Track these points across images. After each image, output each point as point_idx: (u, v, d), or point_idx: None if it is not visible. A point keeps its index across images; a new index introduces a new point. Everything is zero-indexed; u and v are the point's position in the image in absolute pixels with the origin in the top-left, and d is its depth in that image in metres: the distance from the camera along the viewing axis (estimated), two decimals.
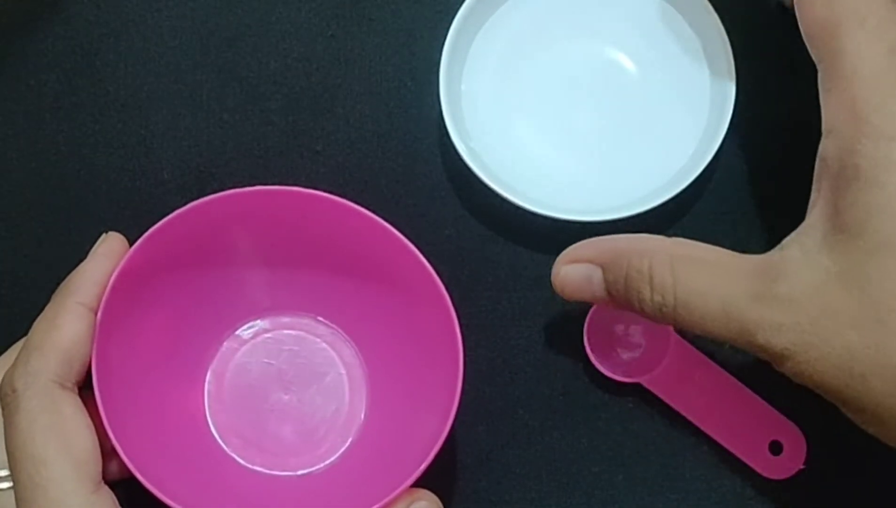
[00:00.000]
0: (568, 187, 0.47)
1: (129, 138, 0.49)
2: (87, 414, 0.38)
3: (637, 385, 0.46)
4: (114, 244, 0.41)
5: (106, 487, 0.38)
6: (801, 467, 0.45)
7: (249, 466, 0.44)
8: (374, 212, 0.42)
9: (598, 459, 0.47)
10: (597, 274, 0.40)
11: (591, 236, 0.42)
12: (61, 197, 0.49)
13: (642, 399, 0.46)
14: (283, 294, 0.46)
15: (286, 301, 0.46)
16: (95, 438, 0.38)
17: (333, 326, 0.46)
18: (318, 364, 0.46)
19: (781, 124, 0.48)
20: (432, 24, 0.49)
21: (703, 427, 0.46)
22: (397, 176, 0.49)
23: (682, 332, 0.45)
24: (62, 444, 0.37)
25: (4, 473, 0.40)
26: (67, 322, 0.39)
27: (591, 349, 0.46)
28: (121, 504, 0.38)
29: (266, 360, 0.46)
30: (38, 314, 0.40)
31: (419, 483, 0.39)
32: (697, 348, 0.46)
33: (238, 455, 0.45)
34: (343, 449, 0.45)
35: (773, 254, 0.38)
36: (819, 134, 0.38)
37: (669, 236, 0.40)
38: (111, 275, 0.40)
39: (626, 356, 0.46)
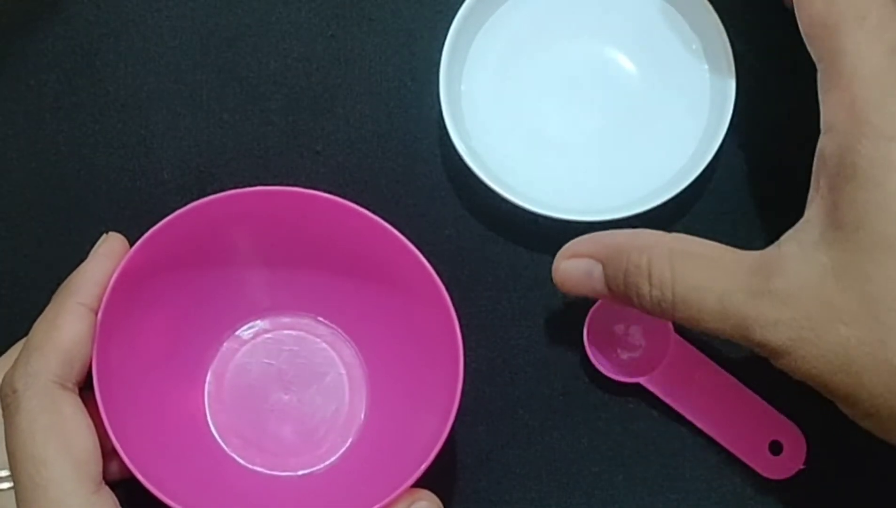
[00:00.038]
0: (568, 187, 0.47)
1: (129, 138, 0.49)
2: (87, 414, 0.38)
3: (637, 385, 0.46)
4: (114, 245, 0.41)
5: (106, 487, 0.38)
6: (801, 467, 0.45)
7: (249, 466, 0.44)
8: (374, 212, 0.42)
9: (598, 459, 0.47)
10: (597, 269, 0.41)
11: None
12: (61, 197, 0.49)
13: (642, 399, 0.47)
14: (283, 294, 0.46)
15: (286, 301, 0.46)
16: (96, 438, 0.38)
17: (333, 326, 0.46)
18: (318, 364, 0.46)
19: (781, 124, 0.48)
20: (432, 24, 0.49)
21: (703, 427, 0.46)
22: (397, 176, 0.49)
23: (682, 332, 0.45)
24: (62, 444, 0.37)
25: (4, 473, 0.40)
26: (68, 323, 0.39)
27: (591, 350, 0.46)
28: (121, 504, 0.38)
29: (266, 360, 0.46)
30: (38, 314, 0.40)
31: (419, 483, 0.39)
32: (697, 348, 0.46)
33: (238, 455, 0.45)
34: (343, 449, 0.45)
35: (771, 250, 0.38)
36: (819, 134, 0.38)
37: None
38: (111, 275, 0.40)
39: (626, 356, 0.46)
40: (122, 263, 0.40)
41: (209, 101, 0.49)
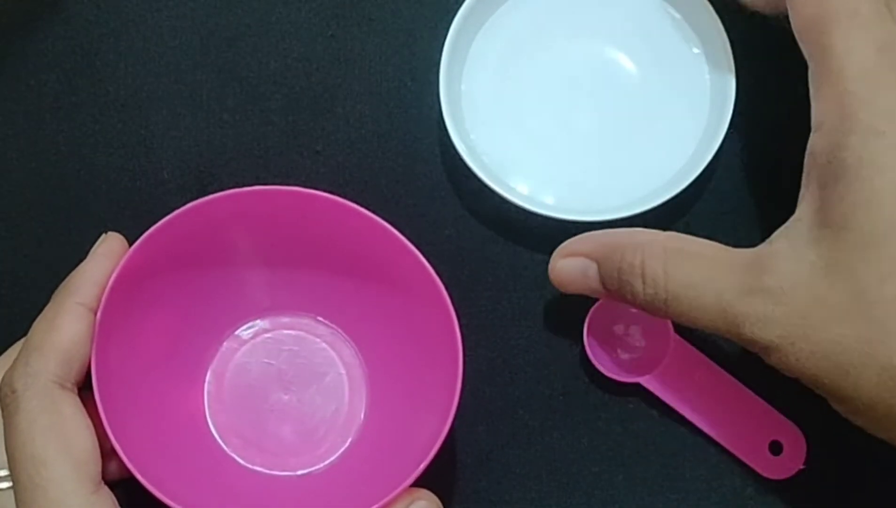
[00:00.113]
0: (568, 187, 0.47)
1: (129, 138, 0.49)
2: (86, 414, 0.38)
3: (637, 385, 0.46)
4: (113, 244, 0.41)
5: (106, 487, 0.38)
6: (801, 467, 0.45)
7: (249, 466, 0.44)
8: (374, 212, 0.42)
9: (598, 459, 0.47)
10: (592, 268, 0.41)
11: None
12: (61, 197, 0.49)
13: (642, 399, 0.46)
14: (283, 294, 0.46)
15: (286, 301, 0.46)
16: (95, 438, 0.38)
17: (333, 326, 0.46)
18: (317, 364, 0.46)
19: (781, 124, 0.48)
20: (432, 24, 0.49)
21: (703, 427, 0.46)
22: (397, 176, 0.49)
23: (682, 332, 0.45)
24: (62, 444, 0.37)
25: (4, 473, 0.40)
26: (67, 323, 0.39)
27: (591, 350, 0.46)
28: (121, 504, 0.38)
29: (266, 360, 0.46)
30: (38, 314, 0.40)
31: (419, 483, 0.39)
32: (697, 348, 0.46)
33: (238, 455, 0.45)
34: (343, 449, 0.45)
35: (763, 248, 0.38)
36: None
37: None
38: (111, 275, 0.40)
39: (626, 356, 0.46)
40: (122, 262, 0.40)
41: (209, 101, 0.49)
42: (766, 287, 0.36)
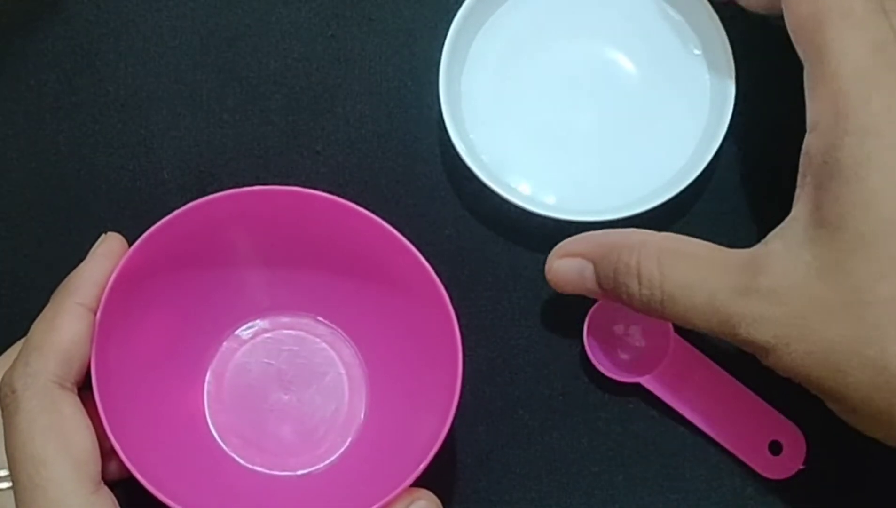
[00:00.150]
0: (568, 187, 0.47)
1: (129, 138, 0.49)
2: (86, 414, 0.38)
3: (637, 385, 0.46)
4: (113, 245, 0.41)
5: (105, 487, 0.38)
6: (801, 467, 0.45)
7: (249, 466, 0.44)
8: (374, 212, 0.42)
9: (598, 459, 0.47)
10: (588, 268, 0.41)
11: None
12: (61, 197, 0.49)
13: (642, 399, 0.46)
14: (283, 294, 0.46)
15: (286, 301, 0.46)
16: (95, 438, 0.38)
17: (333, 326, 0.46)
18: (317, 364, 0.46)
19: (781, 124, 0.48)
20: (432, 24, 0.49)
21: (703, 427, 0.46)
22: (397, 176, 0.49)
23: (682, 332, 0.45)
24: (62, 444, 0.37)
25: (4, 473, 0.40)
26: (67, 323, 0.39)
27: (591, 350, 0.46)
28: (121, 504, 0.38)
29: (266, 360, 0.46)
30: (38, 314, 0.40)
31: (419, 483, 0.39)
32: (697, 348, 0.46)
33: (238, 455, 0.45)
34: (343, 449, 0.45)
35: (758, 248, 0.38)
36: None
37: None
38: (111, 275, 0.40)
39: (625, 356, 0.46)
40: (121, 263, 0.40)
41: (209, 101, 0.49)
42: (761, 288, 0.36)
